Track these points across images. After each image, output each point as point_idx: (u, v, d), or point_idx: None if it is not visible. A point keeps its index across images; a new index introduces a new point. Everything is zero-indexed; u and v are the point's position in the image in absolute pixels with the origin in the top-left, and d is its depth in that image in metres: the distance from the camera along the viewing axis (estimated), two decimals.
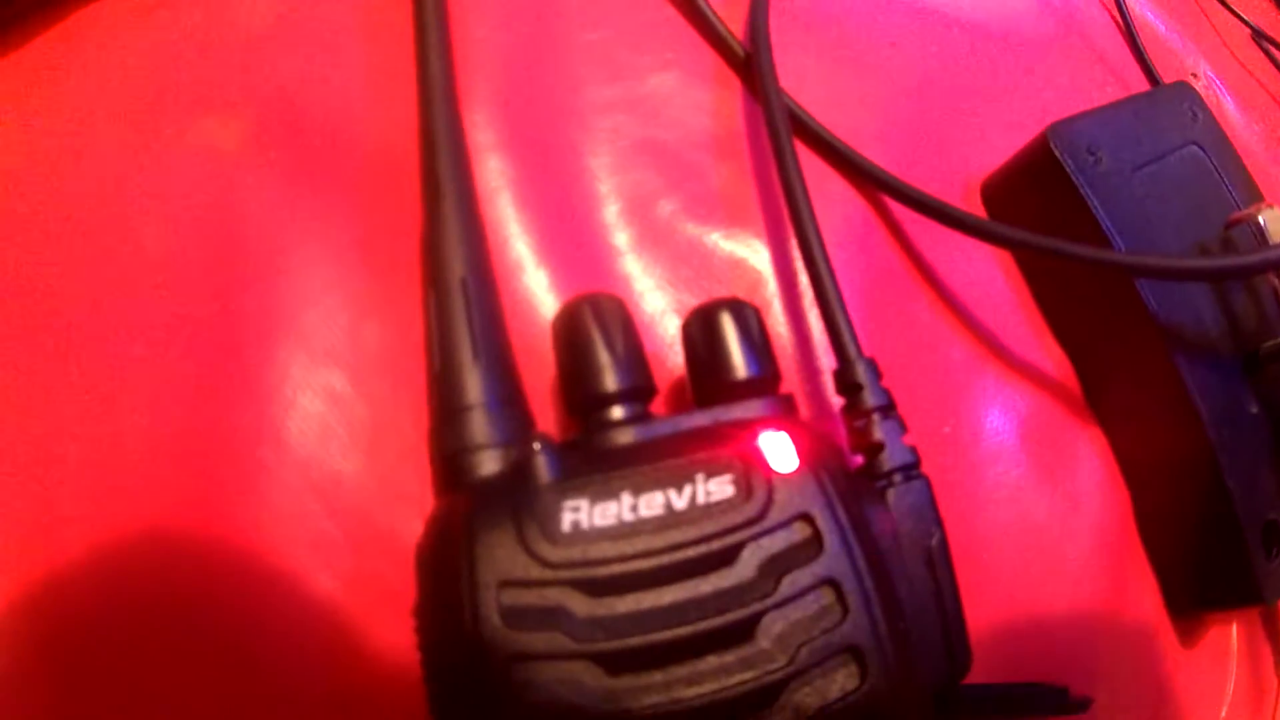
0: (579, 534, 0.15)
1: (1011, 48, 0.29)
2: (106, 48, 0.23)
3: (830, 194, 0.24)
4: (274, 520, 0.19)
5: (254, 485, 0.19)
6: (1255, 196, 0.25)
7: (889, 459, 0.17)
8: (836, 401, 0.19)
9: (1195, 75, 0.34)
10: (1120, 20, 0.33)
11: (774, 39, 0.24)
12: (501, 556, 0.15)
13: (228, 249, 0.21)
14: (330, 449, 0.20)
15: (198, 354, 0.20)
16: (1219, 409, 0.22)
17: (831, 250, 0.20)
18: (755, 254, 0.23)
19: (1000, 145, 0.26)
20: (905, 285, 0.24)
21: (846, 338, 0.18)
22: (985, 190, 0.26)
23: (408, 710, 0.18)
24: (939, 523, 0.17)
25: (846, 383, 0.18)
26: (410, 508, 0.19)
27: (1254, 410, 0.22)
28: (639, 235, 0.23)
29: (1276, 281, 0.23)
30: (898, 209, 0.25)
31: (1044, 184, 0.23)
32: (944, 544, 0.17)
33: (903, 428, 0.18)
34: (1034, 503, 0.23)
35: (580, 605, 0.14)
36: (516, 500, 0.15)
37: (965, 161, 0.26)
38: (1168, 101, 0.25)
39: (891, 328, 0.23)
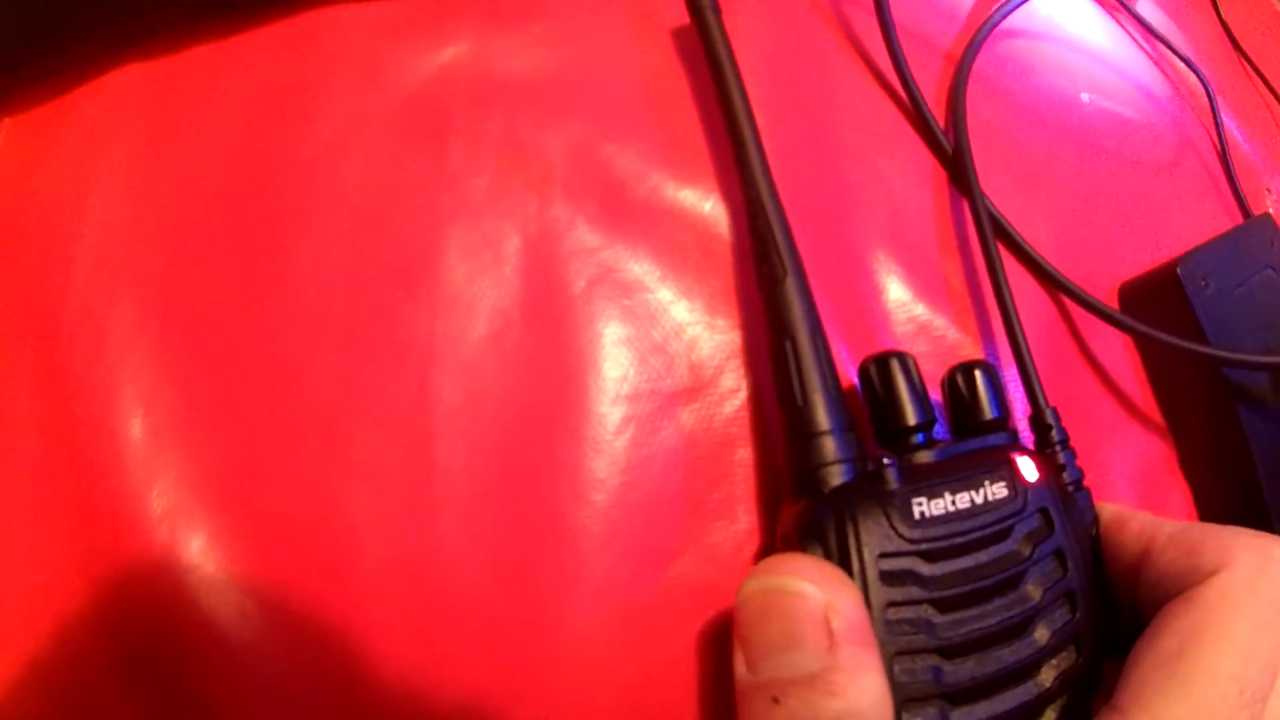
0: (923, 520, 0.23)
1: (1135, 171, 0.40)
2: None
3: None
4: None
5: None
6: None
7: (1069, 475, 0.26)
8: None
9: (1269, 190, 0.45)
10: (1217, 141, 0.45)
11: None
12: (878, 536, 0.22)
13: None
14: None
15: None
16: (1271, 463, 0.32)
17: None
18: (972, 336, 0.32)
19: (1127, 253, 0.36)
20: (1062, 357, 0.34)
21: (1039, 394, 0.27)
22: (1122, 291, 0.36)
23: None
24: (1096, 519, 0.26)
25: (1039, 423, 0.27)
26: None
27: None
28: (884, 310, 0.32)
29: None
30: (1058, 299, 0.35)
31: (1169, 298, 0.34)
32: (1099, 532, 0.26)
33: (1074, 454, 0.26)
34: None
35: (924, 567, 0.22)
36: (881, 498, 0.23)
37: (1107, 265, 0.36)
38: (1254, 232, 0.36)
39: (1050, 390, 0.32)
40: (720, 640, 0.26)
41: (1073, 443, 0.28)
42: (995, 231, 0.31)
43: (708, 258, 0.30)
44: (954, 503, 0.23)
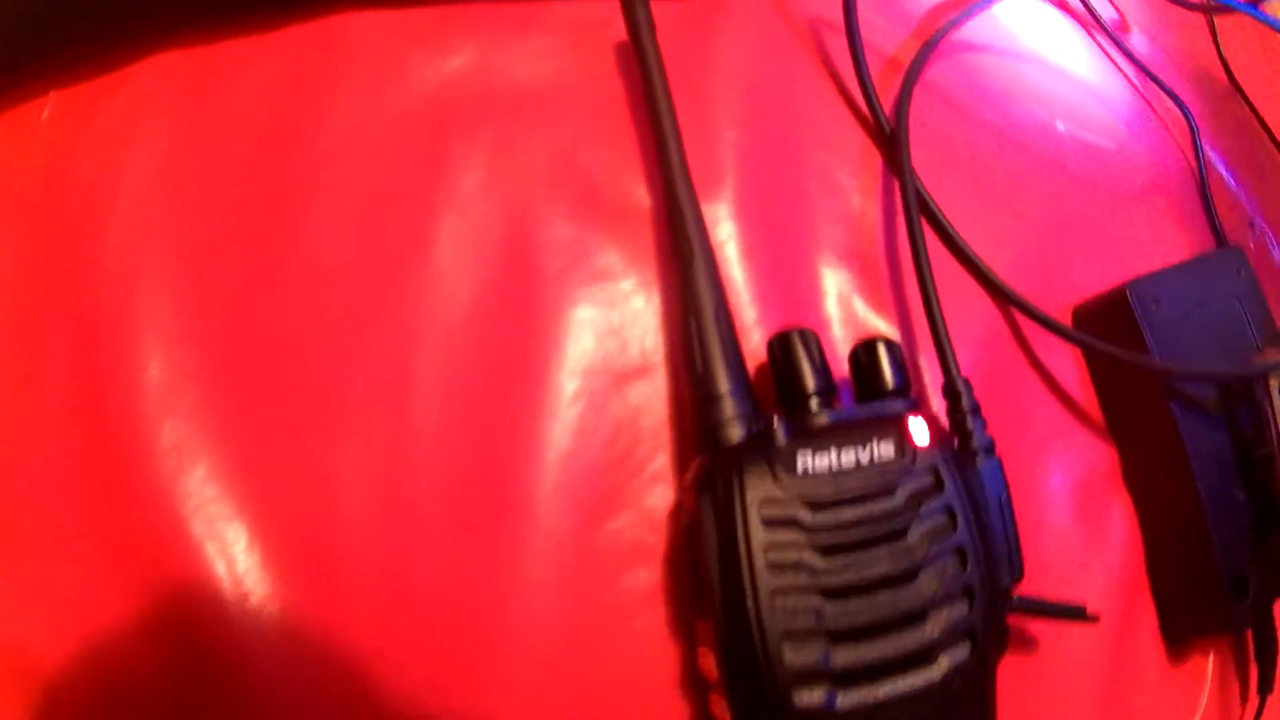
0: (807, 474, 0.25)
1: (1106, 200, 0.41)
2: None
3: (960, 298, 0.35)
4: None
5: None
6: (1274, 341, 0.35)
7: (977, 442, 0.28)
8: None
9: (1252, 224, 0.45)
10: (1197, 173, 0.44)
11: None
12: (762, 486, 0.24)
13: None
14: None
15: None
16: (1215, 493, 0.32)
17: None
18: (889, 317, 0.34)
19: (1089, 280, 0.37)
20: (1009, 369, 0.36)
21: (952, 364, 0.29)
22: (1076, 313, 0.37)
23: None
24: (1006, 485, 0.27)
25: (950, 391, 0.29)
26: None
27: (1241, 497, 0.33)
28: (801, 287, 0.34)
29: (1269, 404, 0.33)
30: (1009, 314, 0.36)
31: (1118, 319, 0.34)
32: (1009, 499, 0.27)
33: (985, 423, 0.28)
34: (1072, 540, 0.34)
35: (806, 516, 0.24)
36: (768, 452, 0.25)
37: (1067, 290, 0.37)
38: (1222, 261, 0.36)
39: (993, 398, 0.32)
40: (647, 595, 0.29)
41: (1015, 451, 0.29)
42: (922, 210, 0.34)
43: (666, 256, 0.32)
44: (838, 459, 0.25)
